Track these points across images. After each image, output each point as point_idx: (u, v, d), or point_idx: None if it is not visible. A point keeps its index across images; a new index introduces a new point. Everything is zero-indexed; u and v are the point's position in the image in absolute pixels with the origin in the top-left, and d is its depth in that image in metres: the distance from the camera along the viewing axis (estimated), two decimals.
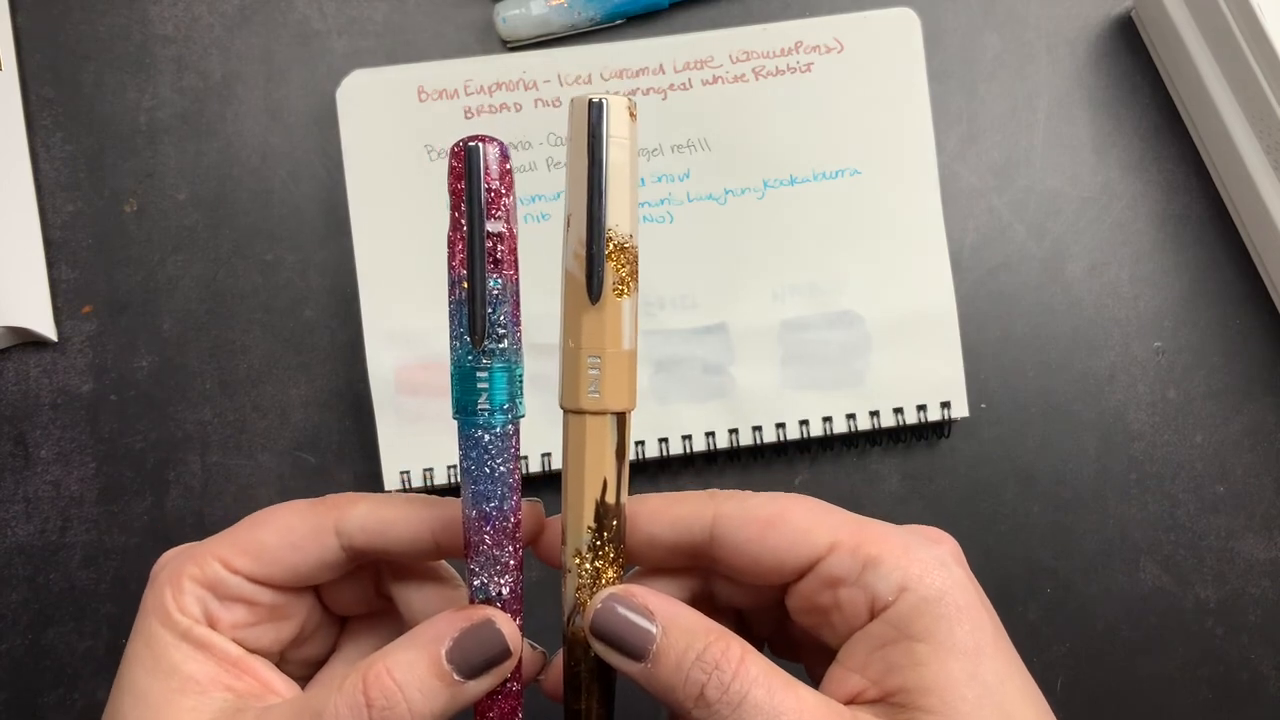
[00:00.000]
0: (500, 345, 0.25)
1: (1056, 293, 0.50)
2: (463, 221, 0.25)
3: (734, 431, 0.47)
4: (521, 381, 0.26)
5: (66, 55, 0.51)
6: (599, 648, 0.26)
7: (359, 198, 0.47)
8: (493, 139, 0.25)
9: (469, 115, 0.48)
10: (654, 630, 0.25)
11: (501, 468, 0.26)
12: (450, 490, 0.47)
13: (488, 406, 0.25)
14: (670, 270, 0.48)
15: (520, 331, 0.25)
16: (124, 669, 0.27)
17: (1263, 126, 0.46)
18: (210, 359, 0.49)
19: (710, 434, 0.47)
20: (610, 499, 0.27)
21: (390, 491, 0.47)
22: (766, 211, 0.48)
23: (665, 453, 0.47)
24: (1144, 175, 0.51)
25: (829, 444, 0.48)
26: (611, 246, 0.26)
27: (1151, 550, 0.48)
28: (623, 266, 0.26)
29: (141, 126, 0.51)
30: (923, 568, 0.25)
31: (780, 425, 0.47)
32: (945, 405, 0.47)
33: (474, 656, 0.25)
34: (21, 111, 0.50)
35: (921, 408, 0.47)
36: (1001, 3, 0.52)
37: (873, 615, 0.25)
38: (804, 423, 0.47)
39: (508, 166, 0.25)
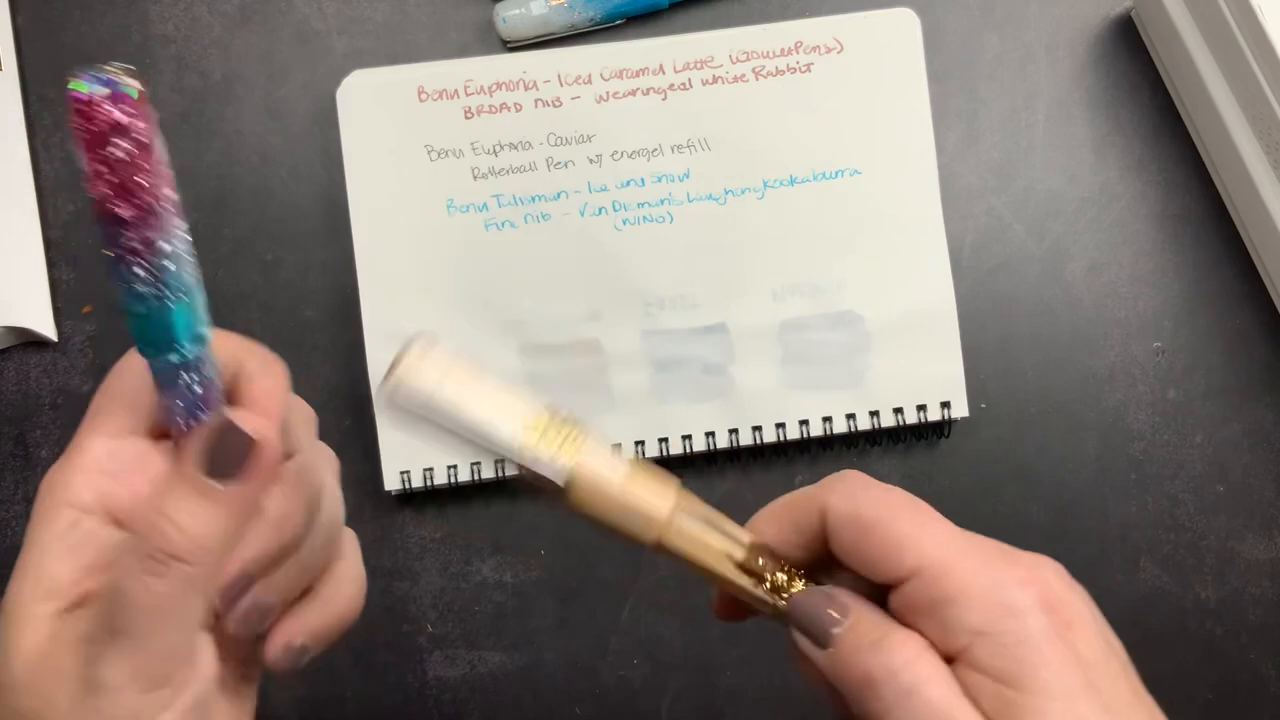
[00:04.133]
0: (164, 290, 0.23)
1: (1056, 293, 0.50)
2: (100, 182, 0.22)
3: (734, 431, 0.47)
4: (192, 311, 0.24)
5: (67, 55, 0.51)
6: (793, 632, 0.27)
7: (359, 198, 0.47)
8: (108, 75, 0.22)
9: (469, 115, 0.48)
10: (847, 615, 0.26)
11: (197, 388, 0.25)
12: (451, 490, 0.48)
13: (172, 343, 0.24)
14: (670, 270, 0.48)
15: (179, 267, 0.23)
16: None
17: (1263, 126, 0.46)
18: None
19: (710, 434, 0.47)
20: (738, 556, 0.27)
21: (390, 491, 0.47)
22: (766, 211, 0.48)
23: (665, 453, 0.47)
24: (1144, 175, 0.51)
25: (829, 444, 0.48)
26: (541, 449, 0.26)
27: (1151, 550, 0.48)
28: (568, 441, 0.26)
29: None
30: (1002, 613, 0.24)
31: (780, 425, 0.47)
32: (945, 405, 0.47)
33: (221, 457, 0.25)
34: (22, 111, 0.50)
35: (921, 408, 0.47)
36: (1001, 3, 0.52)
37: (950, 658, 0.25)
38: (804, 423, 0.47)
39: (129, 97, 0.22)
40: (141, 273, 0.22)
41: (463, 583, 0.48)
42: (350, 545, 0.32)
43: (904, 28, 0.48)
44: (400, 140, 0.48)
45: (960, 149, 0.51)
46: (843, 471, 0.28)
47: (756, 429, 0.47)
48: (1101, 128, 0.51)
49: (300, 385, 0.49)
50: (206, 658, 0.27)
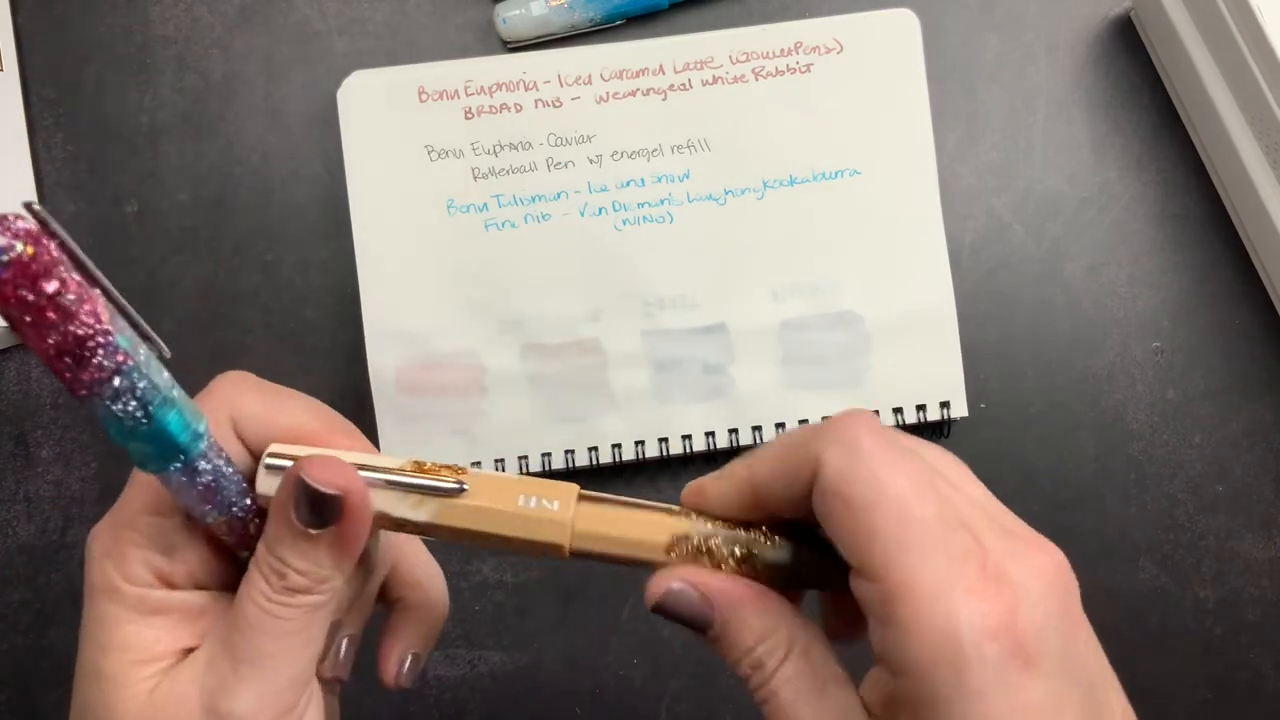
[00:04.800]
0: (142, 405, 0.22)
1: (1055, 293, 0.50)
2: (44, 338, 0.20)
3: (734, 431, 0.47)
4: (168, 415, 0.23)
5: (68, 56, 0.51)
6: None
7: (359, 198, 0.47)
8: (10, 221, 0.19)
9: (469, 115, 0.48)
10: (712, 619, 0.26)
11: (214, 482, 0.25)
12: None
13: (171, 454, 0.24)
14: (670, 270, 0.48)
15: (137, 366, 0.22)
16: (81, 654, 0.26)
17: (1262, 127, 0.46)
18: (211, 359, 0.49)
19: (710, 434, 0.47)
20: (664, 533, 0.27)
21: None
22: (766, 211, 0.48)
23: (665, 453, 0.47)
24: (1143, 175, 0.51)
25: None
26: (408, 489, 0.26)
27: (1150, 550, 0.48)
28: (446, 469, 0.26)
29: (142, 127, 0.51)
30: (938, 643, 0.22)
31: (780, 425, 0.47)
32: (945, 405, 0.47)
33: (315, 502, 0.25)
34: (23, 112, 0.50)
35: (921, 407, 0.47)
36: (1001, 3, 0.52)
37: (888, 668, 0.23)
38: (803, 422, 0.47)
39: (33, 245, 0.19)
40: (114, 405, 0.22)
41: (463, 582, 0.48)
42: (414, 545, 0.32)
43: (904, 28, 0.48)
44: (400, 140, 0.48)
45: (960, 149, 0.51)
46: (850, 411, 0.25)
47: (756, 429, 0.47)
48: (1101, 128, 0.51)
49: (300, 385, 0.49)
50: (319, 689, 0.28)
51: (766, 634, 0.25)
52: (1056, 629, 0.23)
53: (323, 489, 0.25)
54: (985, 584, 0.22)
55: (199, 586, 0.27)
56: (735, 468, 0.27)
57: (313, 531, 0.25)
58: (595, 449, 0.47)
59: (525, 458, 0.47)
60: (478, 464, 0.47)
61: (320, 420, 0.27)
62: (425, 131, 0.48)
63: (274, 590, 0.25)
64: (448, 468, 0.26)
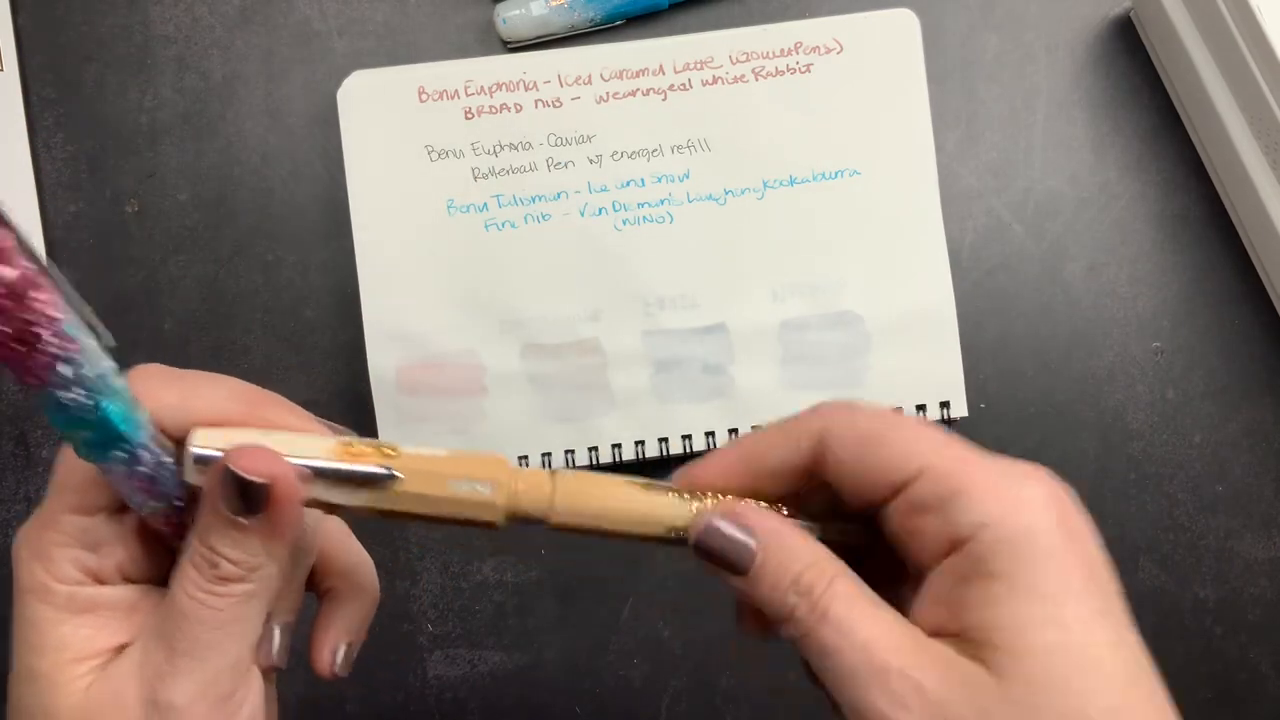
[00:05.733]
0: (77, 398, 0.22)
1: (1055, 293, 0.50)
2: None
3: (734, 431, 0.47)
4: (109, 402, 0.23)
5: (68, 56, 0.51)
6: (704, 562, 0.27)
7: (359, 198, 0.47)
8: None
9: (469, 115, 0.48)
10: (754, 547, 0.26)
11: (151, 473, 0.25)
12: None
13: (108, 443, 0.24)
14: (670, 270, 0.48)
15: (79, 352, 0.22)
16: (15, 658, 0.26)
17: (1262, 127, 0.46)
18: (211, 359, 0.49)
19: (710, 434, 0.47)
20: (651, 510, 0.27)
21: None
22: (766, 211, 0.48)
23: (665, 453, 0.47)
24: (1143, 175, 0.51)
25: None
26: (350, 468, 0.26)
27: (1150, 549, 0.48)
28: (366, 454, 0.26)
29: (143, 127, 0.51)
30: (1007, 507, 0.24)
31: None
32: (945, 405, 0.47)
33: (244, 492, 0.25)
34: (23, 112, 0.50)
35: (921, 407, 0.47)
36: (1001, 3, 0.52)
37: (953, 548, 0.25)
38: None
39: None
40: (62, 393, 0.22)
41: (463, 582, 0.48)
42: (342, 533, 0.32)
43: (904, 28, 0.48)
44: (400, 140, 0.48)
45: (960, 149, 0.51)
46: (823, 401, 0.27)
47: (756, 429, 0.47)
48: (1101, 128, 0.51)
49: (300, 385, 0.50)
50: (258, 677, 0.28)
51: (813, 561, 0.26)
52: (1089, 521, 0.26)
53: (250, 478, 0.25)
54: (1024, 468, 0.25)
55: (129, 580, 0.27)
56: (722, 454, 0.28)
57: (243, 521, 0.25)
58: (595, 449, 0.47)
59: (525, 458, 0.47)
60: None
61: (240, 400, 0.27)
62: (425, 131, 0.48)
63: (206, 580, 0.25)
64: (376, 449, 0.26)
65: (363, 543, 0.48)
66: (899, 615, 0.25)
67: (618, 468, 0.48)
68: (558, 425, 0.47)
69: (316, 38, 0.52)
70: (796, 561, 0.26)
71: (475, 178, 0.48)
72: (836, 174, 0.48)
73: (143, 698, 0.25)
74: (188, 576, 0.25)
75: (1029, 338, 0.50)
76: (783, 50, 0.48)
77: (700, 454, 0.47)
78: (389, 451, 0.26)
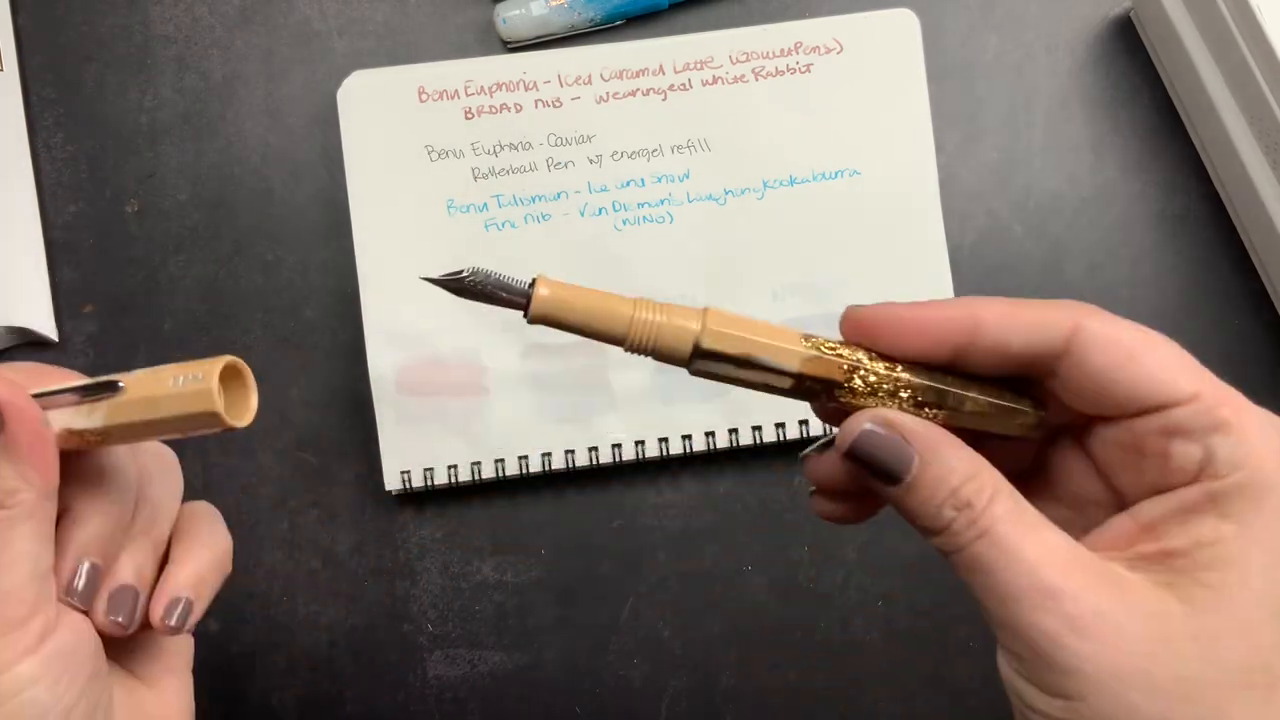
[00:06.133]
0: None
1: (1055, 293, 0.50)
2: None
3: (734, 431, 0.47)
4: None
5: (68, 56, 0.51)
6: (855, 468, 0.26)
7: (359, 198, 0.47)
8: None
9: (469, 115, 0.48)
10: (911, 456, 0.25)
11: None
12: (451, 490, 0.48)
13: None
14: (670, 270, 0.48)
15: None
16: None
17: (1262, 127, 0.46)
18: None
19: (710, 434, 0.47)
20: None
21: (390, 491, 0.47)
22: (766, 211, 0.48)
23: (665, 453, 0.47)
24: (1143, 175, 0.51)
25: (830, 444, 0.48)
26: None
27: None
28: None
29: (143, 127, 0.51)
30: (1267, 455, 0.24)
31: (780, 425, 0.47)
32: None
33: None
34: (23, 112, 0.50)
35: None
36: (1001, 3, 0.52)
37: (1197, 479, 0.24)
38: (803, 422, 0.47)
39: None
40: None
41: (463, 583, 0.48)
42: (205, 509, 0.34)
43: (904, 28, 0.48)
44: (400, 140, 0.48)
45: (960, 149, 0.51)
46: (1068, 301, 0.26)
47: (756, 429, 0.47)
48: (1101, 128, 0.51)
49: (300, 385, 0.50)
50: (72, 621, 0.29)
51: (972, 474, 0.25)
52: None
53: None
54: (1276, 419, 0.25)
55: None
56: (939, 309, 0.27)
57: None
58: (595, 449, 0.47)
59: (525, 458, 0.47)
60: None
61: (29, 373, 0.29)
62: (425, 131, 0.48)
63: None
64: (116, 376, 0.28)
65: (363, 542, 0.49)
66: (1067, 536, 0.25)
67: (617, 468, 0.48)
68: (558, 425, 0.47)
69: (316, 38, 0.52)
70: (955, 475, 0.25)
71: (475, 178, 0.48)
72: (836, 174, 0.48)
73: None
74: None
75: None
76: (783, 50, 0.48)
77: (700, 454, 0.48)
78: (124, 375, 0.28)
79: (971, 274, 0.50)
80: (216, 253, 0.50)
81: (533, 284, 0.27)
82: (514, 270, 0.49)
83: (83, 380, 0.29)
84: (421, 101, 0.48)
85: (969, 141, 0.51)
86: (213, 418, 0.27)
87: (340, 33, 0.52)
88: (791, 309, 0.48)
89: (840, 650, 0.48)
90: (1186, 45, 0.48)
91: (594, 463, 0.47)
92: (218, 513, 0.34)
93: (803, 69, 0.48)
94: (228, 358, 0.27)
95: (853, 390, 0.26)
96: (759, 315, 0.47)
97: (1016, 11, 0.52)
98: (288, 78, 0.51)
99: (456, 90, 0.48)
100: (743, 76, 0.48)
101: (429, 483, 0.47)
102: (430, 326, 0.47)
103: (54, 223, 0.50)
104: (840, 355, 0.27)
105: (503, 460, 0.47)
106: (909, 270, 0.48)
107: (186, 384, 0.27)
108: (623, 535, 0.48)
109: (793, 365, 0.26)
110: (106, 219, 0.50)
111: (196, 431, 0.28)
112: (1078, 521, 0.27)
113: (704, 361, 0.26)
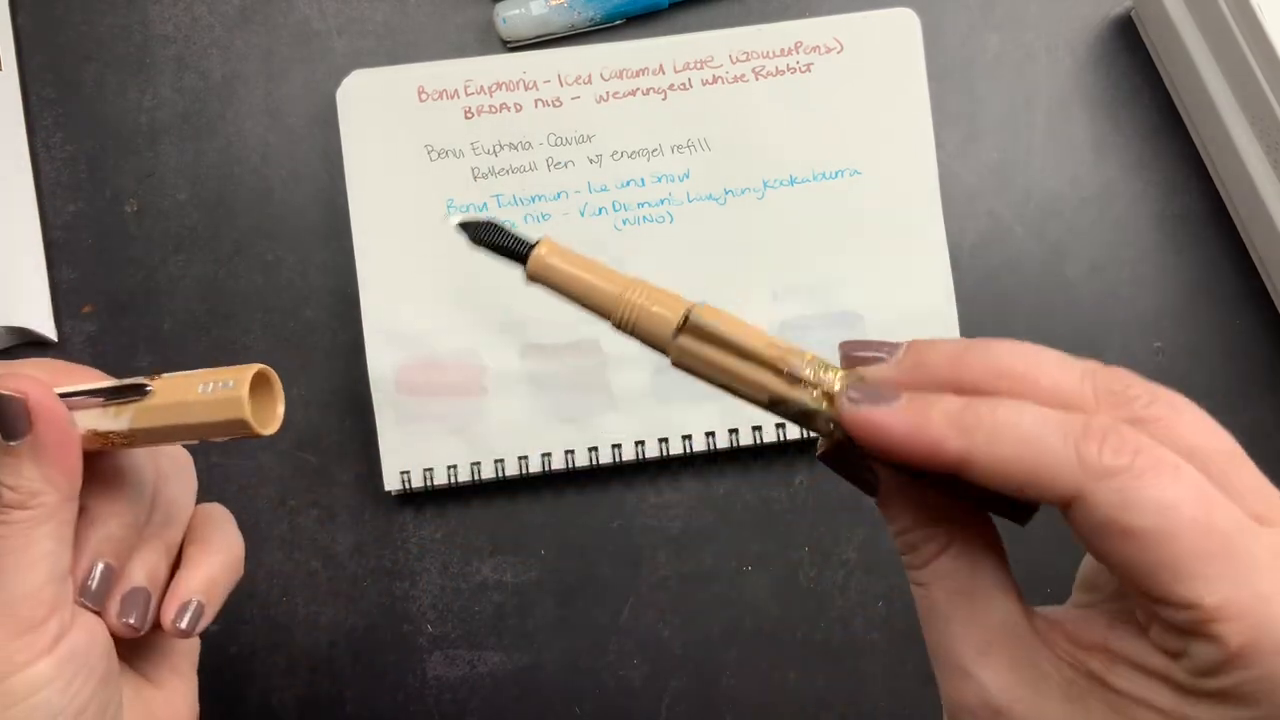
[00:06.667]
0: None
1: (1056, 293, 0.50)
2: None
3: (734, 431, 0.47)
4: None
5: (67, 56, 0.51)
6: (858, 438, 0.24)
7: (359, 198, 0.47)
8: None
9: (469, 115, 0.48)
10: (879, 489, 0.25)
11: None
12: (451, 490, 0.48)
13: None
14: (670, 270, 0.48)
15: None
16: None
17: (1263, 126, 0.46)
18: (210, 359, 0.49)
19: (710, 434, 0.47)
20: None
21: (390, 491, 0.47)
22: (766, 211, 0.48)
23: (665, 453, 0.47)
24: (1144, 175, 0.51)
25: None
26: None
27: None
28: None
29: (142, 126, 0.51)
30: (1263, 678, 0.21)
31: (780, 425, 0.47)
32: None
33: (6, 421, 0.27)
34: (22, 112, 0.50)
35: None
36: (1001, 3, 0.52)
37: (1166, 655, 0.22)
38: None
39: None
40: None
41: (463, 583, 0.48)
42: (218, 512, 0.34)
43: (904, 28, 0.48)
44: (400, 140, 0.48)
45: (960, 149, 0.51)
46: (1100, 428, 0.22)
47: (756, 429, 0.47)
48: (1101, 128, 0.51)
49: (300, 385, 0.50)
50: (86, 623, 0.29)
51: (925, 521, 0.25)
52: None
53: (4, 393, 0.27)
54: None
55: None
56: (926, 429, 0.23)
57: (11, 444, 0.27)
58: (595, 449, 0.47)
59: (525, 458, 0.47)
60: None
61: (49, 369, 0.29)
62: (425, 131, 0.48)
63: None
64: (144, 377, 0.28)
65: (362, 542, 0.49)
66: (1011, 612, 0.24)
67: (618, 468, 0.48)
68: (558, 425, 0.47)
69: (316, 37, 0.52)
70: (897, 520, 0.25)
71: (475, 177, 0.48)
72: (836, 174, 0.48)
73: None
74: None
75: (1030, 338, 0.49)
76: (783, 50, 0.48)
77: (700, 454, 0.48)
78: (152, 376, 0.28)
79: (972, 274, 0.50)
80: (216, 253, 0.50)
81: (537, 243, 0.26)
82: (513, 270, 0.49)
83: (105, 379, 0.29)
84: (421, 101, 0.48)
85: (969, 141, 0.51)
86: (242, 425, 0.27)
87: (340, 32, 0.52)
88: (791, 309, 0.48)
89: (840, 650, 0.48)
90: (1187, 45, 0.48)
91: (594, 463, 0.47)
92: (230, 515, 0.34)
93: (803, 68, 0.48)
94: (258, 366, 0.27)
95: (824, 416, 0.25)
96: (759, 315, 0.47)
97: (1017, 11, 0.52)
98: (287, 77, 0.51)
99: (456, 90, 0.48)
100: (743, 76, 0.48)
101: (429, 483, 0.47)
102: (430, 326, 0.47)
103: (53, 222, 0.50)
104: (820, 365, 0.25)
105: (502, 460, 0.47)
106: (909, 270, 0.48)
107: (217, 391, 0.27)
108: (623, 535, 0.48)
109: (768, 351, 0.25)
110: (106, 219, 0.50)
111: (222, 437, 0.28)
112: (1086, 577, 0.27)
113: (686, 339, 0.26)
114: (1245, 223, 0.50)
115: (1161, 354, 0.49)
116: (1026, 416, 0.23)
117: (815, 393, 0.25)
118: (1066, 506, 0.22)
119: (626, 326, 0.26)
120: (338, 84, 0.48)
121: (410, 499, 0.48)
